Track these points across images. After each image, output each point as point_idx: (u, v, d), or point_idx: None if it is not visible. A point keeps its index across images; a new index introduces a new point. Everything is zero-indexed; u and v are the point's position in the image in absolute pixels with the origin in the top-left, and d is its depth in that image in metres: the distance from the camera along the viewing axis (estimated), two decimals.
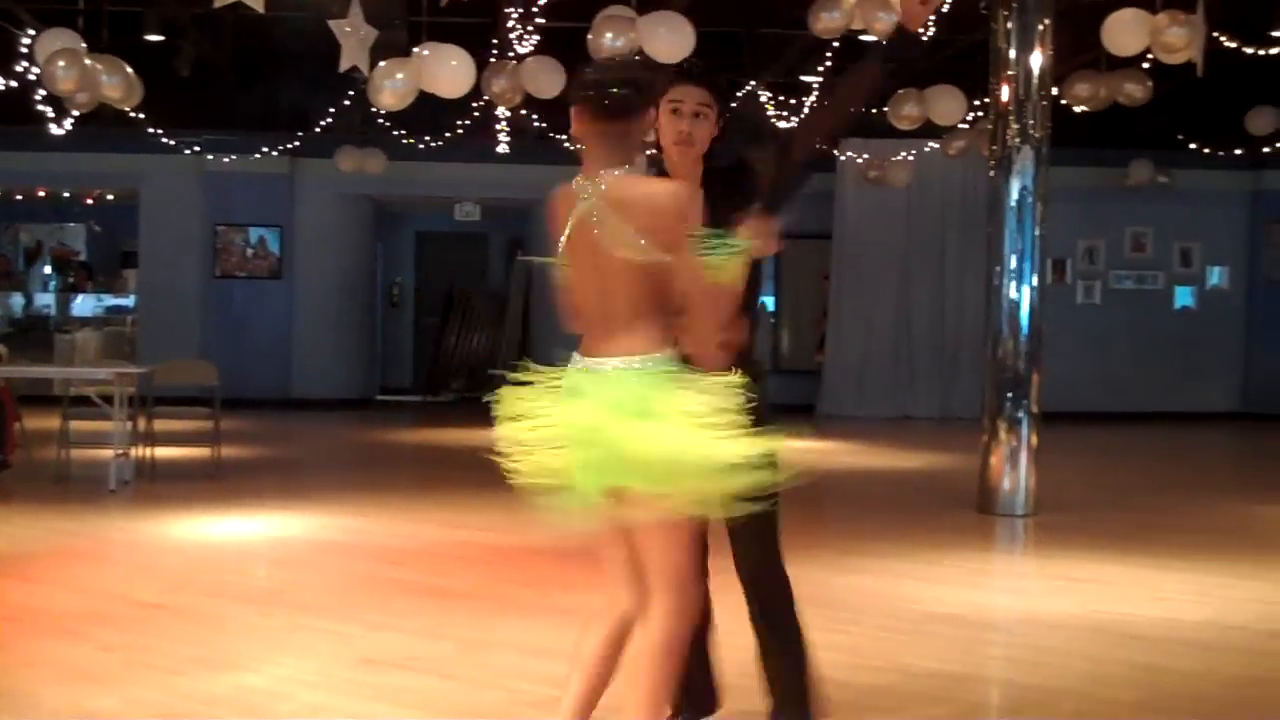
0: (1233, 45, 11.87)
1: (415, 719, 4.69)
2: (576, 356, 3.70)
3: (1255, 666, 5.78)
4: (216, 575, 7.39)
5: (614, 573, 3.82)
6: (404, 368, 22.19)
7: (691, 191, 3.76)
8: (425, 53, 10.74)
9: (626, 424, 3.53)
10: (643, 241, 3.57)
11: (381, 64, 10.65)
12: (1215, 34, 11.13)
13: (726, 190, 4.06)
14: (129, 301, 20.32)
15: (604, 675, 3.82)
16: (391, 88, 10.64)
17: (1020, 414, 9.90)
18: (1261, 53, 12.33)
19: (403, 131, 16.37)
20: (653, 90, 3.81)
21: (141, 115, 14.11)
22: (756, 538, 4.13)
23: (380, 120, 15.96)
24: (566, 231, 3.67)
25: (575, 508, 3.61)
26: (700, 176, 4.10)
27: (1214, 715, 5.06)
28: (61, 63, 10.70)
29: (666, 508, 3.57)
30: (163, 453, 11.34)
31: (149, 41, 13.44)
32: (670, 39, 10.34)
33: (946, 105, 13.58)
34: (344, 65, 10.35)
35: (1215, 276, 19.43)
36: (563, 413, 3.60)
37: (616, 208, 3.59)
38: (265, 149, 17.63)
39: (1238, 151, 17.75)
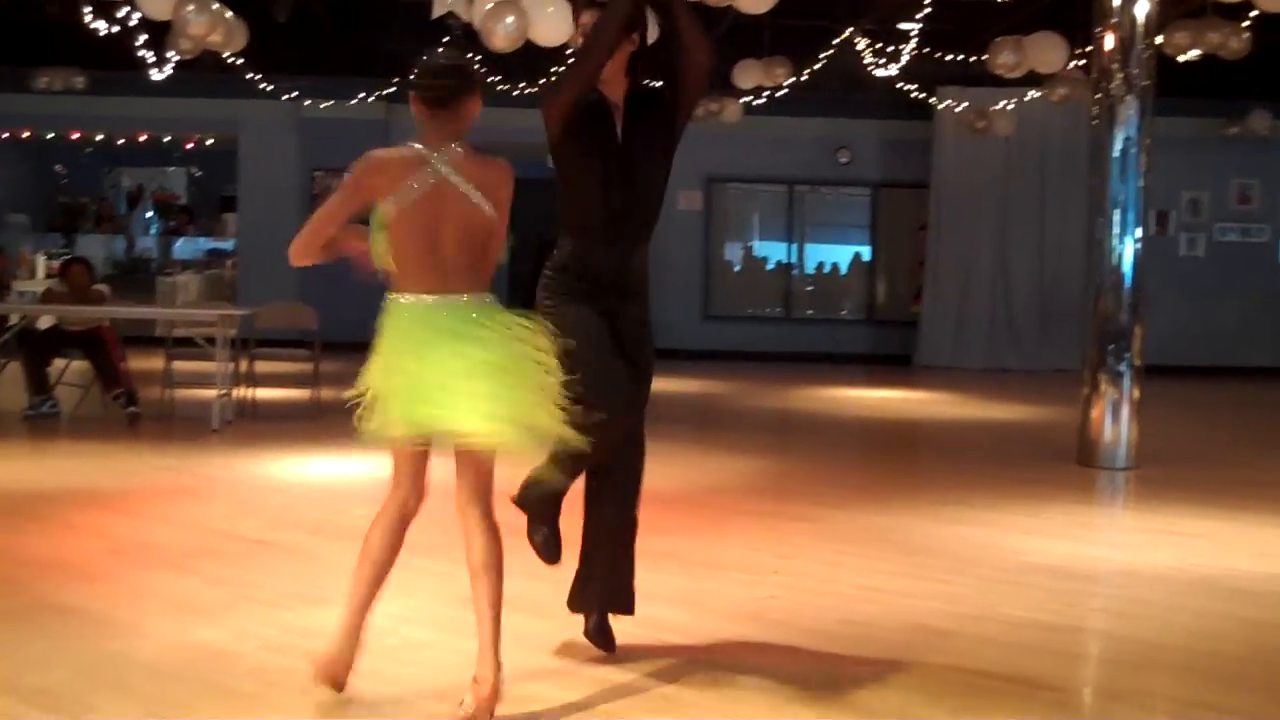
0: None
1: (513, 656, 4.72)
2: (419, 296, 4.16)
3: None
4: (317, 513, 7.49)
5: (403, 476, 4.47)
6: None
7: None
8: None
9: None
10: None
11: (490, 5, 10.41)
12: None
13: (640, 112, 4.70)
14: (229, 245, 20.59)
15: (389, 563, 4.50)
16: (504, 31, 10.35)
17: (1122, 367, 9.77)
18: None
19: (499, 76, 16.35)
20: (473, 82, 4.29)
21: (240, 61, 14.22)
22: None
23: (478, 66, 15.95)
24: (414, 189, 4.12)
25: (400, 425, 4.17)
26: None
27: None
28: (191, 7, 10.68)
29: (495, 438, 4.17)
30: (263, 394, 11.51)
31: None
32: None
33: (1047, 53, 13.21)
34: (436, 12, 10.31)
35: None
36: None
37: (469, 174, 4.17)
38: (362, 95, 17.74)
39: None
